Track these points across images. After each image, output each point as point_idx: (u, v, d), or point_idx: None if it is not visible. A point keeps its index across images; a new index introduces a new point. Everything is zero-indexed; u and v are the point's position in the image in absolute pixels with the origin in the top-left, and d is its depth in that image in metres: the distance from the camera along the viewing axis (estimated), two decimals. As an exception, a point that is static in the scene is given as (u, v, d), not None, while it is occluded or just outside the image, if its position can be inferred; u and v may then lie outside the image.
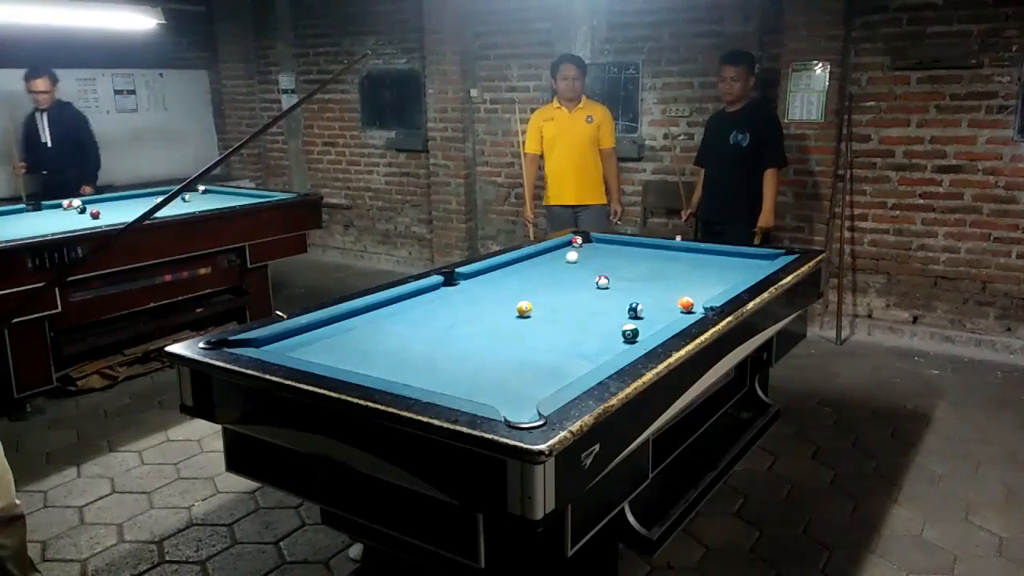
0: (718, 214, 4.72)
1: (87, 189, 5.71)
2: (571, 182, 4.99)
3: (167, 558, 2.90)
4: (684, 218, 5.05)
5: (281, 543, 2.97)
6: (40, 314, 3.94)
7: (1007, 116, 4.65)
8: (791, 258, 3.25)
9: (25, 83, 5.53)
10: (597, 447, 1.76)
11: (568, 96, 4.90)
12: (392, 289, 2.82)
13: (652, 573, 2.78)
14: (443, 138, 6.68)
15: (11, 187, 5.94)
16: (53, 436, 3.89)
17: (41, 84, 5.52)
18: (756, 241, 4.48)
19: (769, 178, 4.55)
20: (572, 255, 3.40)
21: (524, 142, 5.18)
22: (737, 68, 4.53)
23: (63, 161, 5.73)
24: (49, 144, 5.68)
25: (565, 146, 4.96)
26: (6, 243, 3.77)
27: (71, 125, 5.77)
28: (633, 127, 5.86)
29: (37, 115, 5.65)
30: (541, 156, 5.13)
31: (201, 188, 5.67)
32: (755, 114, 4.66)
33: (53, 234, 3.97)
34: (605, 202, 5.07)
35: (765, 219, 4.56)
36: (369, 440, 1.85)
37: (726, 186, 4.66)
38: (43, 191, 5.55)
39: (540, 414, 1.70)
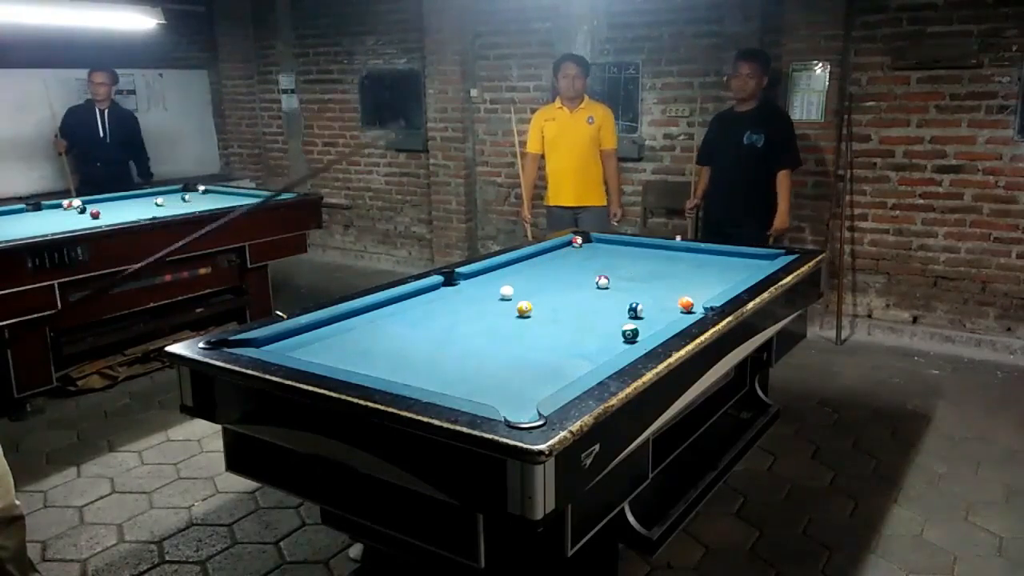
0: (732, 215, 4.61)
1: (146, 185, 6.15)
2: (571, 183, 4.98)
3: (167, 558, 2.90)
4: (690, 206, 4.96)
5: (281, 543, 2.97)
6: (40, 314, 3.94)
7: (1007, 116, 4.65)
8: (791, 258, 3.24)
9: (88, 78, 6.03)
10: (597, 447, 1.76)
11: (569, 95, 4.88)
12: (392, 289, 2.82)
13: (652, 573, 2.78)
14: (443, 138, 6.68)
15: (62, 180, 6.19)
16: (53, 436, 3.89)
17: (99, 76, 5.95)
18: (771, 243, 4.45)
19: (784, 179, 4.51)
20: (507, 289, 2.80)
21: (525, 141, 5.18)
22: (752, 65, 4.47)
23: (118, 155, 6.20)
24: (108, 139, 6.09)
25: (566, 147, 4.94)
26: (6, 243, 3.77)
27: (127, 123, 6.27)
28: (633, 127, 5.87)
29: (97, 110, 6.04)
30: (542, 156, 5.13)
31: (201, 188, 5.70)
32: (769, 114, 4.59)
33: (53, 234, 3.97)
34: (605, 203, 5.05)
35: (781, 220, 4.52)
36: (369, 440, 1.85)
37: (741, 187, 4.58)
38: (95, 183, 5.85)
39: (540, 414, 1.70)
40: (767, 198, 4.55)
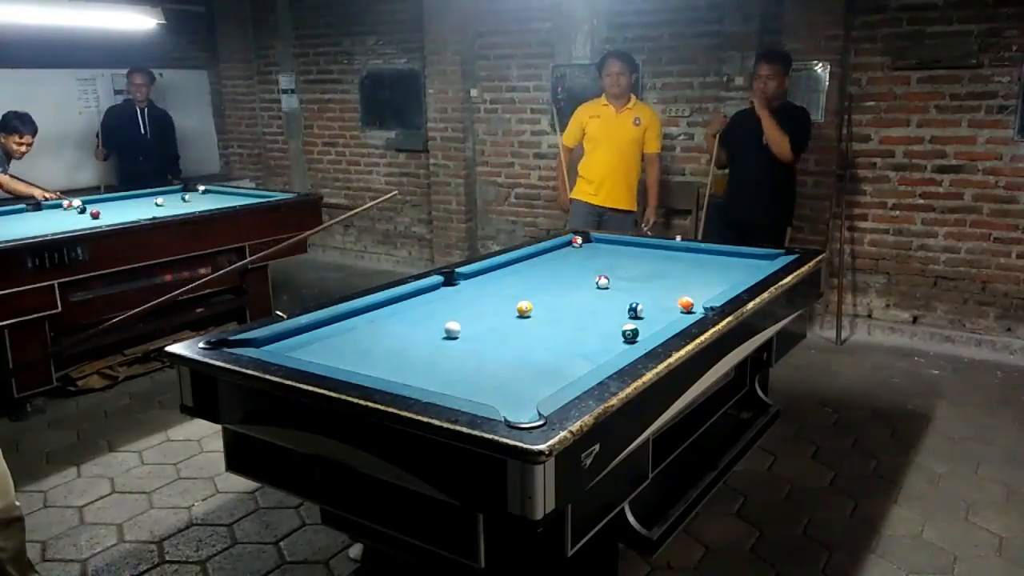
0: (752, 216, 4.52)
1: (176, 182, 6.31)
2: (607, 184, 4.90)
3: (167, 558, 2.90)
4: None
5: (281, 543, 2.97)
6: (40, 314, 3.94)
7: (1007, 116, 4.65)
8: (791, 258, 3.24)
9: (127, 79, 6.37)
10: (597, 447, 1.76)
11: (614, 93, 4.82)
12: (392, 289, 2.82)
13: (652, 573, 2.78)
14: (443, 138, 6.68)
15: (93, 176, 6.45)
16: (53, 436, 3.89)
17: (139, 78, 6.26)
18: (787, 242, 4.41)
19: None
20: (452, 325, 2.42)
21: (562, 132, 5.09)
22: (773, 66, 4.42)
23: (159, 152, 6.48)
24: (149, 136, 6.39)
25: (609, 147, 4.86)
26: (6, 243, 3.77)
27: (165, 122, 6.58)
28: (633, 127, 5.86)
29: (138, 109, 6.32)
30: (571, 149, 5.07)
31: (201, 188, 5.70)
32: (788, 115, 4.48)
33: (53, 234, 3.97)
34: (634, 209, 4.99)
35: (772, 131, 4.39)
36: (369, 440, 1.85)
37: (762, 187, 4.52)
38: (139, 178, 6.07)
39: (540, 414, 1.70)
40: (788, 199, 4.55)
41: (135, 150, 6.35)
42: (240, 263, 2.89)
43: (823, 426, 3.94)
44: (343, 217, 3.05)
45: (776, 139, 4.37)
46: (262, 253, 2.98)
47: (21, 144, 5.11)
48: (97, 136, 6.32)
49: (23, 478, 3.35)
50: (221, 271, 2.94)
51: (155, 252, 4.36)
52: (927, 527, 3.04)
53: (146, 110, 6.37)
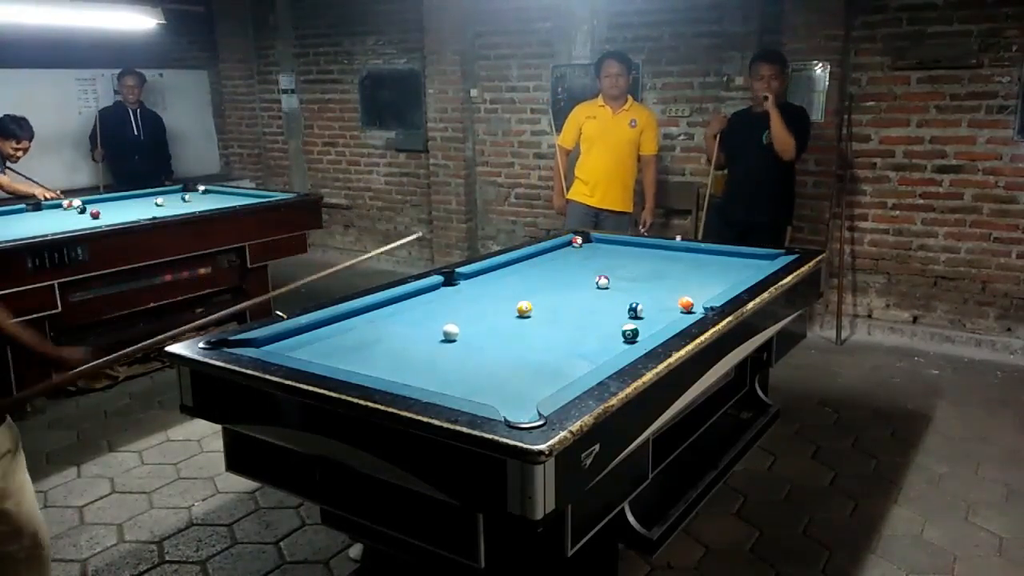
0: (752, 216, 4.53)
1: (169, 182, 6.35)
2: (603, 185, 4.91)
3: (167, 558, 2.90)
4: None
5: (281, 543, 2.97)
6: (40, 314, 3.93)
7: (1007, 116, 4.65)
8: (791, 258, 3.24)
9: (118, 81, 6.45)
10: (597, 447, 1.76)
11: (612, 94, 4.81)
12: (392, 289, 2.83)
13: (652, 573, 2.78)
14: (443, 138, 6.68)
15: (92, 176, 6.53)
16: (53, 436, 3.89)
17: (130, 80, 6.36)
18: (787, 242, 4.41)
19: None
20: (451, 328, 2.38)
21: (559, 132, 5.10)
22: (774, 66, 4.44)
23: (152, 152, 6.58)
24: (142, 137, 6.49)
25: (604, 148, 4.87)
26: (6, 243, 3.77)
27: (157, 123, 6.69)
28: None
29: (129, 111, 6.42)
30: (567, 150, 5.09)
31: (201, 188, 5.70)
32: (788, 116, 4.47)
33: (53, 234, 3.97)
34: (630, 211, 5.00)
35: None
36: (369, 440, 1.85)
37: (762, 187, 4.54)
38: (134, 179, 6.11)
39: (540, 414, 1.70)
40: (786, 196, 4.57)
41: (130, 151, 6.40)
42: (267, 296, 2.84)
43: (823, 426, 3.94)
44: (367, 256, 3.07)
45: (783, 138, 4.38)
46: (288, 287, 2.80)
47: (18, 149, 5.10)
48: (90, 139, 6.33)
49: (23, 478, 3.34)
50: (252, 300, 2.87)
51: (155, 252, 4.36)
52: (927, 527, 3.04)
53: (138, 112, 6.45)
